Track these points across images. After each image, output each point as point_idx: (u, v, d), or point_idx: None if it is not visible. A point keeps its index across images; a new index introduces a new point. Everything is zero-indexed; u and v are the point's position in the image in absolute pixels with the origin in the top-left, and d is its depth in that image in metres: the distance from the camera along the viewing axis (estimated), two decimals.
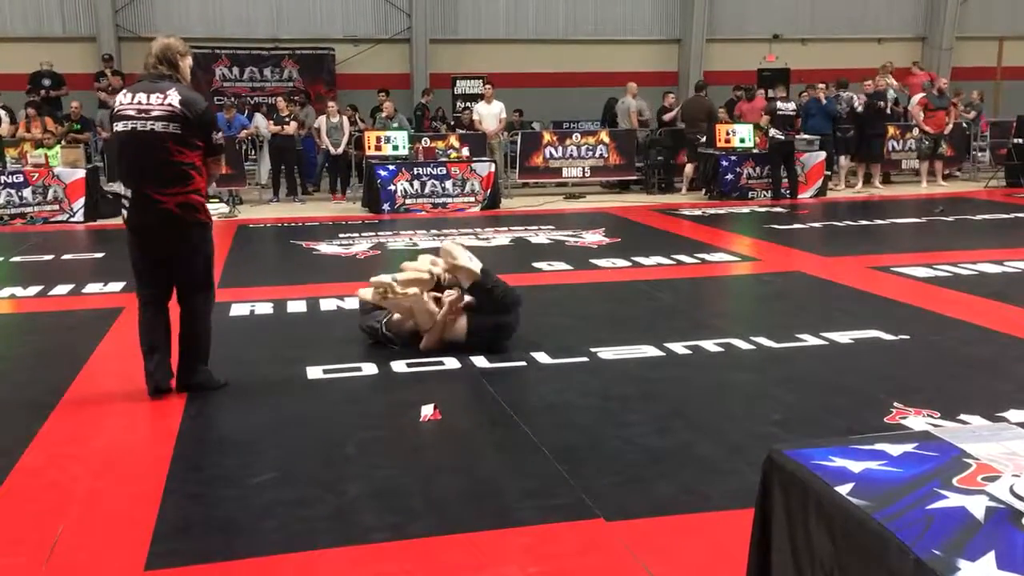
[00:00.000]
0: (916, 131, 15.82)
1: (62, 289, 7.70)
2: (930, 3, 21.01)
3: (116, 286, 7.77)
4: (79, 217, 12.43)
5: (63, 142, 13.57)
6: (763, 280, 8.08)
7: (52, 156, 12.78)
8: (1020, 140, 15.27)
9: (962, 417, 4.23)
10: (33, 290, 7.67)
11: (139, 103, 4.61)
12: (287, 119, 14.43)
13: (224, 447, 4.12)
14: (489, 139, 14.66)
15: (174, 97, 4.59)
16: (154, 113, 4.57)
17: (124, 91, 4.84)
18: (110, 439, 4.25)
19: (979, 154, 17.18)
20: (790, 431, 4.12)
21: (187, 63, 4.83)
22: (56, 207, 12.46)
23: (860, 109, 14.69)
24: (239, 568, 3.03)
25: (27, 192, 12.39)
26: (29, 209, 12.39)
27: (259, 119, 15.39)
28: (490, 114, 14.87)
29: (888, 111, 14.97)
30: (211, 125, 4.79)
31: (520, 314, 5.51)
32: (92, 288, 7.75)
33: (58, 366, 5.41)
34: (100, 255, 9.83)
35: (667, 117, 16.03)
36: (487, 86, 15.36)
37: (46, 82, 15.65)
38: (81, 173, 12.55)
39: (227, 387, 4.88)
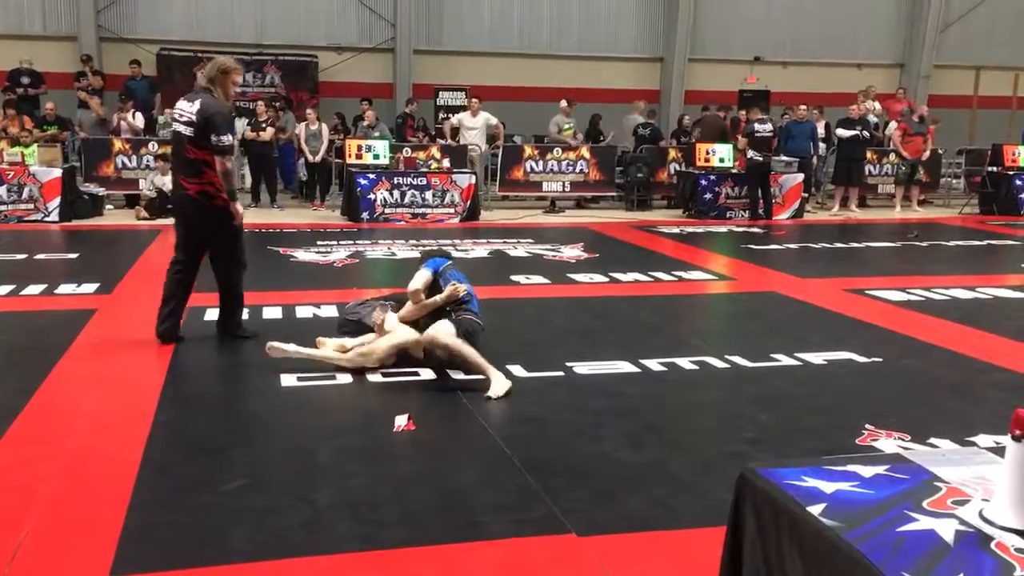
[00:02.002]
0: (893, 156, 16.02)
1: (34, 289, 7.62)
2: (909, 31, 21.28)
3: (89, 287, 7.70)
4: (54, 217, 12.31)
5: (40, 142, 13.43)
6: (739, 299, 8.13)
7: (28, 154, 12.65)
8: (994, 168, 15.49)
9: (932, 440, 4.27)
10: (4, 289, 7.57)
11: (180, 109, 5.72)
12: (264, 124, 14.31)
13: (195, 453, 4.08)
14: (470, 150, 14.63)
15: (196, 106, 5.61)
16: (183, 118, 5.66)
17: (181, 98, 5.88)
18: (79, 442, 4.20)
19: (954, 181, 17.42)
20: (763, 450, 4.14)
21: (230, 79, 5.80)
22: (31, 206, 12.33)
23: (822, 135, 15.09)
24: (206, 575, 2.99)
25: (1, 190, 12.25)
26: (3, 207, 12.25)
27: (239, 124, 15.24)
28: (474, 127, 14.85)
29: (867, 136, 15.14)
30: (212, 128, 5.57)
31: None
32: (65, 289, 7.67)
33: (28, 367, 5.34)
34: (74, 255, 9.74)
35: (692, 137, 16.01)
36: (473, 100, 15.33)
37: (25, 80, 15.49)
38: (57, 172, 12.44)
39: (256, 338, 5.85)
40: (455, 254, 9.64)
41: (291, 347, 5.26)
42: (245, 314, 6.71)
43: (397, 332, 5.30)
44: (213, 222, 5.79)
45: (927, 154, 15.63)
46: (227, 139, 5.65)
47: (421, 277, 5.42)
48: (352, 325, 5.62)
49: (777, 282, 8.64)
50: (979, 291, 8.18)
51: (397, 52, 19.02)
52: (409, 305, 5.42)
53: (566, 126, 15.59)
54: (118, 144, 13.97)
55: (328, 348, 5.30)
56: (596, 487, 3.71)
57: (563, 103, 15.71)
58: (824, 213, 15.12)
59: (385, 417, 4.44)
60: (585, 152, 15.19)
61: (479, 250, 10.29)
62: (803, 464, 2.33)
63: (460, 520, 3.39)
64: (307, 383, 5.06)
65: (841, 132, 14.92)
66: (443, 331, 5.13)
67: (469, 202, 13.31)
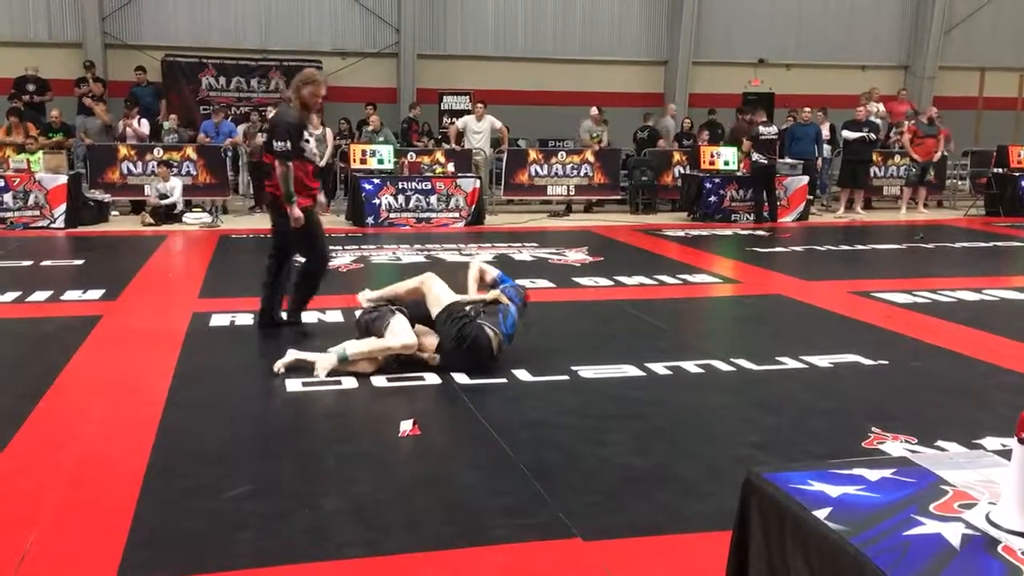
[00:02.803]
0: (898, 158, 15.99)
1: (40, 296, 7.63)
2: (913, 33, 21.26)
3: (95, 294, 7.71)
4: (60, 223, 12.34)
5: (45, 149, 13.46)
6: (744, 302, 8.11)
7: (34, 161, 12.68)
8: (1000, 169, 15.45)
9: (939, 443, 4.26)
10: (11, 296, 7.59)
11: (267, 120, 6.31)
12: (260, 130, 14.27)
13: (200, 458, 4.08)
14: (475, 154, 14.64)
15: (272, 115, 6.29)
16: (265, 126, 6.02)
17: None
18: (84, 448, 4.20)
19: (959, 182, 17.38)
20: (768, 454, 4.13)
21: (308, 90, 6.17)
22: (37, 213, 12.36)
23: (826, 137, 15.07)
24: None
25: (7, 197, 12.29)
26: (9, 214, 12.29)
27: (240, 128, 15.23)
28: (479, 131, 14.86)
29: (874, 138, 15.11)
30: (274, 135, 6.11)
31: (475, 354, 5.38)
32: (71, 295, 7.68)
33: (34, 373, 5.35)
34: (80, 262, 9.76)
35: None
36: (479, 105, 15.33)
37: (30, 87, 15.53)
38: (63, 179, 12.46)
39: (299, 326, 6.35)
40: (460, 259, 9.66)
41: (289, 357, 5.28)
42: (248, 318, 6.75)
43: (394, 337, 5.29)
44: (273, 216, 6.43)
45: (939, 155, 15.60)
46: (281, 145, 6.03)
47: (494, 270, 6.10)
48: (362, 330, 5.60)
49: (782, 285, 8.62)
50: (985, 293, 8.16)
51: (401, 57, 19.05)
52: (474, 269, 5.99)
53: (595, 133, 15.56)
54: (123, 150, 14.00)
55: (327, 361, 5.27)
56: (601, 491, 3.70)
57: (593, 110, 15.68)
58: (829, 215, 15.10)
59: (390, 422, 4.44)
60: (590, 155, 15.19)
61: (484, 254, 10.27)
62: (809, 468, 2.32)
63: (465, 525, 3.39)
64: (312, 388, 5.06)
65: (847, 134, 14.90)
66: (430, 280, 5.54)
67: (474, 206, 13.32)
